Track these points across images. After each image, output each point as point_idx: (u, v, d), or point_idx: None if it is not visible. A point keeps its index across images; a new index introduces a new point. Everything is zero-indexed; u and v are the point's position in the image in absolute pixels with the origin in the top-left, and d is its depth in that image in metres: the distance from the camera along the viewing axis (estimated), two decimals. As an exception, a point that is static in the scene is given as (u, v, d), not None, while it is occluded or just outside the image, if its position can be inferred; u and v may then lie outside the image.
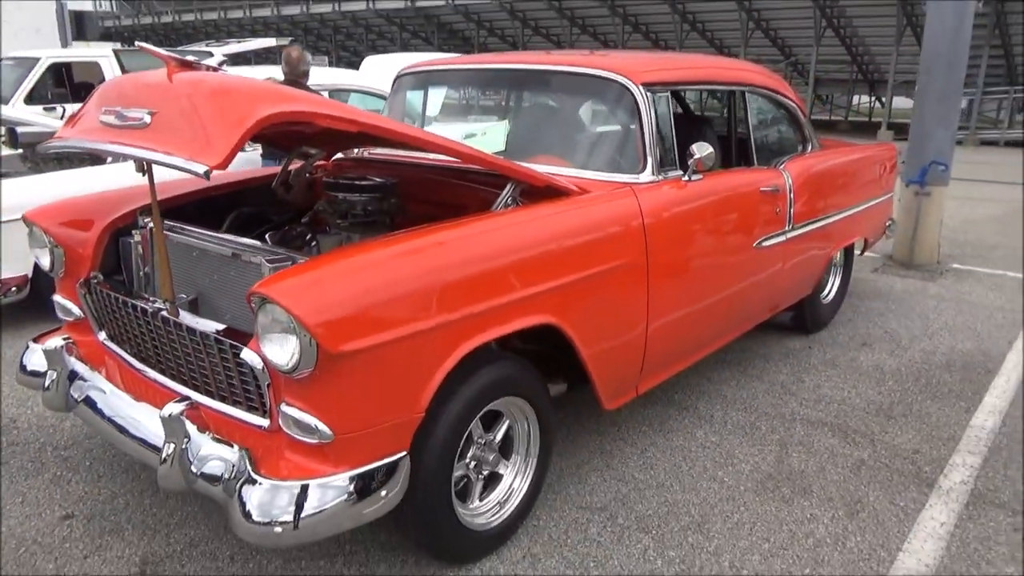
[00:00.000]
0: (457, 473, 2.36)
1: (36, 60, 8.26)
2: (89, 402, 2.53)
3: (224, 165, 1.86)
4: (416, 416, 2.11)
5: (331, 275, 1.98)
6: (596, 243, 2.62)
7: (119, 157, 5.09)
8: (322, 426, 1.95)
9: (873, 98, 27.26)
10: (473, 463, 2.46)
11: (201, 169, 1.85)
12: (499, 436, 2.53)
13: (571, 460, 3.12)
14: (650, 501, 2.86)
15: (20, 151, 5.25)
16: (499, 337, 2.29)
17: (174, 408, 2.11)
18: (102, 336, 2.75)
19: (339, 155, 3.43)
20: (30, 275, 4.43)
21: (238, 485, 1.99)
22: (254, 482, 1.98)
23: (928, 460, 3.20)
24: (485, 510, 2.53)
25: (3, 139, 5.49)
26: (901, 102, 21.94)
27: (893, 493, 2.94)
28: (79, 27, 23.16)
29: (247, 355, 2.04)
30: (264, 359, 1.99)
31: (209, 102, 2.00)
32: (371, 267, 2.04)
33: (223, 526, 2.61)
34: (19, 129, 5.11)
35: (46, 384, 2.62)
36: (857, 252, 4.98)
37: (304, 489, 1.95)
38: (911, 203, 6.28)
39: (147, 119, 2.04)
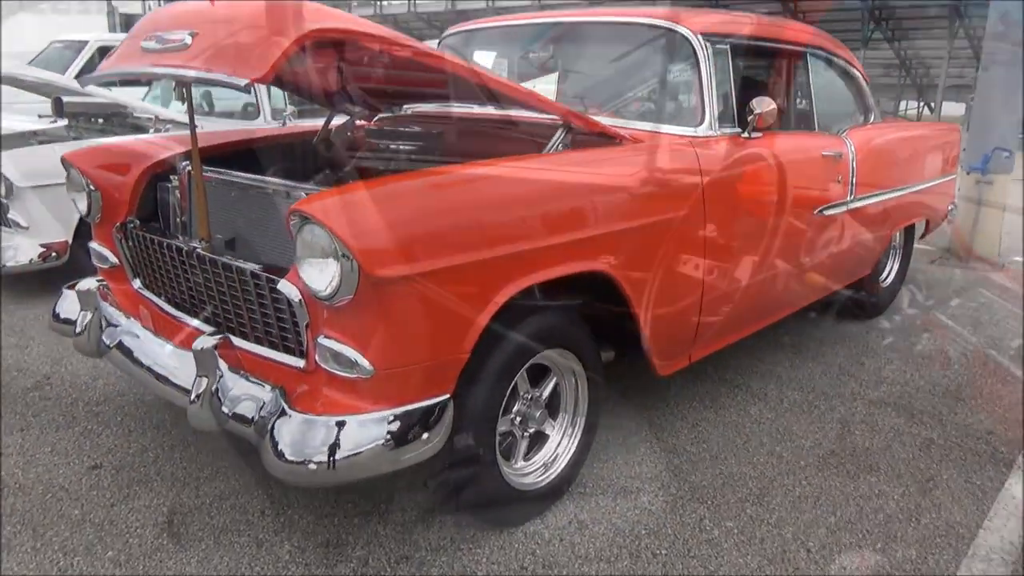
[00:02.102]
0: (502, 429, 2.22)
1: (85, 43, 8.37)
2: (121, 347, 2.44)
3: (265, 79, 1.76)
4: (460, 357, 1.97)
5: (375, 198, 1.85)
6: (652, 193, 2.46)
7: (162, 126, 5.10)
8: (362, 360, 1.82)
9: (921, 103, 26.54)
10: (518, 419, 2.32)
11: (241, 82, 1.75)
12: (546, 393, 2.39)
13: (618, 432, 2.95)
14: (704, 472, 2.69)
15: (65, 120, 5.26)
16: (547, 280, 2.14)
17: (206, 341, 1.99)
18: (136, 284, 2.67)
19: (381, 115, 3.32)
20: (70, 241, 4.41)
21: (272, 421, 1.87)
22: (288, 416, 1.86)
23: (1003, 441, 2.97)
24: (530, 470, 2.38)
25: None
26: (951, 108, 21.27)
27: (968, 472, 2.73)
28: (128, 29, 23.83)
29: (284, 287, 1.93)
30: (302, 289, 1.87)
31: (251, 18, 1.90)
32: (417, 194, 1.92)
33: (255, 480, 2.50)
34: (64, 98, 5.12)
35: (78, 329, 2.53)
36: (918, 235, 4.73)
37: (341, 425, 1.82)
38: (972, 192, 5.99)
39: (188, 40, 1.95)
